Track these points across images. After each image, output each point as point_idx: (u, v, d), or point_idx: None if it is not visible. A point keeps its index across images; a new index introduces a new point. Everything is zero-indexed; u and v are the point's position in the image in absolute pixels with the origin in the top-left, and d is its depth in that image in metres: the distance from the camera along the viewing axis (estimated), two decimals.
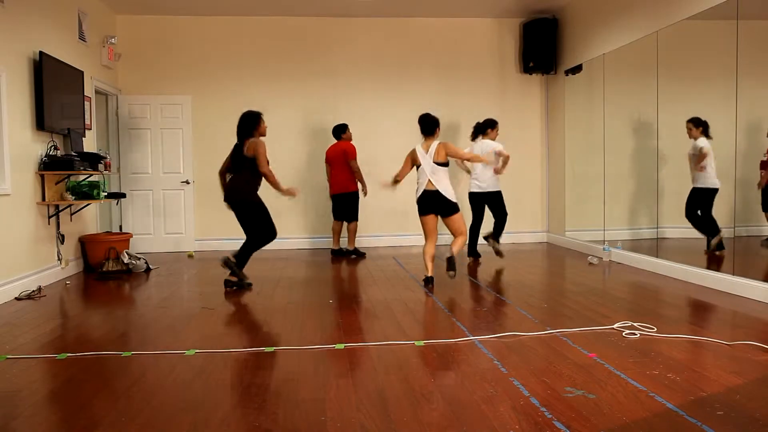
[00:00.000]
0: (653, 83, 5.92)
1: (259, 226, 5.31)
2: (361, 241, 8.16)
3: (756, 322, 3.95)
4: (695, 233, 5.58)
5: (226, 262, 5.32)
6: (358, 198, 7.37)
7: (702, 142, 5.38)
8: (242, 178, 5.27)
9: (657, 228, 6.05)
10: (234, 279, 5.36)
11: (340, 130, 7.39)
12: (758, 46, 4.69)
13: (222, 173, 5.49)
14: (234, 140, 5.31)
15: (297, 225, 8.16)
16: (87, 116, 6.68)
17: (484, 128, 6.66)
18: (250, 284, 5.45)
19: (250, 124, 5.28)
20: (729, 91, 4.85)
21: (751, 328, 3.79)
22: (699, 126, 5.42)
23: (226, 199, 5.33)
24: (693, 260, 5.53)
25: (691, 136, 5.50)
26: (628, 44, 6.38)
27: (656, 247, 6.02)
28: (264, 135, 5.36)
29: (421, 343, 3.57)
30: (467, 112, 8.21)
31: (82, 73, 6.42)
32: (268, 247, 7.97)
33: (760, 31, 4.73)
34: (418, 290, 5.19)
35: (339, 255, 7.47)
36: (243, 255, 5.36)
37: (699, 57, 5.50)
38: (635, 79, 6.37)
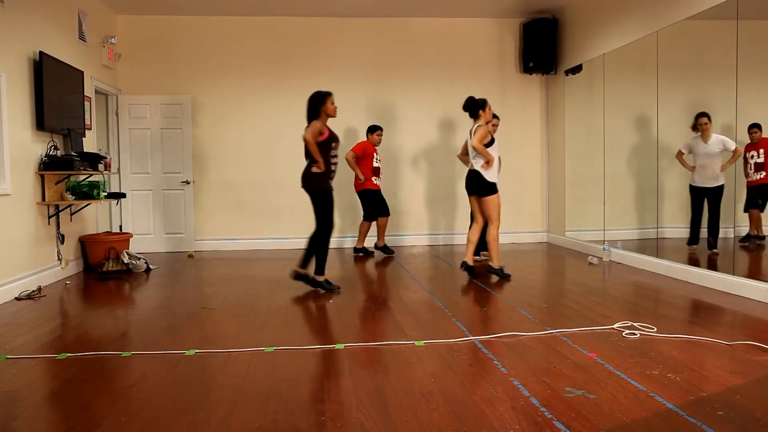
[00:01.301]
0: (653, 83, 5.91)
1: (319, 217, 5.09)
2: None
3: (756, 322, 3.95)
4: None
5: (297, 276, 5.22)
6: (373, 194, 7.29)
7: (726, 139, 5.20)
8: (309, 165, 5.07)
9: (657, 228, 6.04)
10: (320, 280, 5.20)
11: (368, 130, 7.37)
12: (758, 46, 4.69)
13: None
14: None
15: (297, 225, 8.14)
16: (87, 116, 6.68)
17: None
18: (338, 287, 5.21)
19: (314, 105, 5.01)
20: (729, 91, 4.85)
21: (751, 328, 3.79)
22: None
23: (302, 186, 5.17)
24: (693, 260, 5.53)
25: (706, 134, 5.39)
26: (628, 44, 6.38)
27: (656, 247, 6.02)
28: (332, 116, 5.04)
29: (421, 343, 3.57)
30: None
31: (82, 73, 6.42)
32: (268, 247, 8.10)
33: (760, 31, 4.72)
34: (418, 290, 5.19)
35: (360, 253, 7.48)
36: (317, 260, 5.15)
37: (699, 57, 5.50)
38: (635, 79, 6.36)
